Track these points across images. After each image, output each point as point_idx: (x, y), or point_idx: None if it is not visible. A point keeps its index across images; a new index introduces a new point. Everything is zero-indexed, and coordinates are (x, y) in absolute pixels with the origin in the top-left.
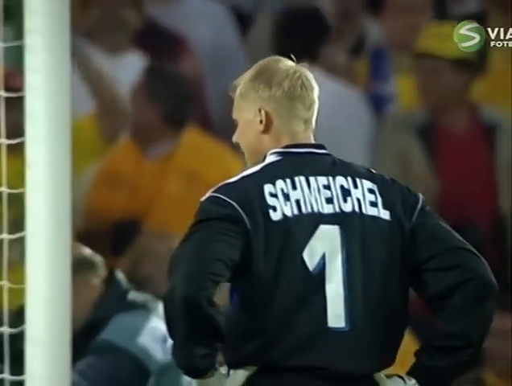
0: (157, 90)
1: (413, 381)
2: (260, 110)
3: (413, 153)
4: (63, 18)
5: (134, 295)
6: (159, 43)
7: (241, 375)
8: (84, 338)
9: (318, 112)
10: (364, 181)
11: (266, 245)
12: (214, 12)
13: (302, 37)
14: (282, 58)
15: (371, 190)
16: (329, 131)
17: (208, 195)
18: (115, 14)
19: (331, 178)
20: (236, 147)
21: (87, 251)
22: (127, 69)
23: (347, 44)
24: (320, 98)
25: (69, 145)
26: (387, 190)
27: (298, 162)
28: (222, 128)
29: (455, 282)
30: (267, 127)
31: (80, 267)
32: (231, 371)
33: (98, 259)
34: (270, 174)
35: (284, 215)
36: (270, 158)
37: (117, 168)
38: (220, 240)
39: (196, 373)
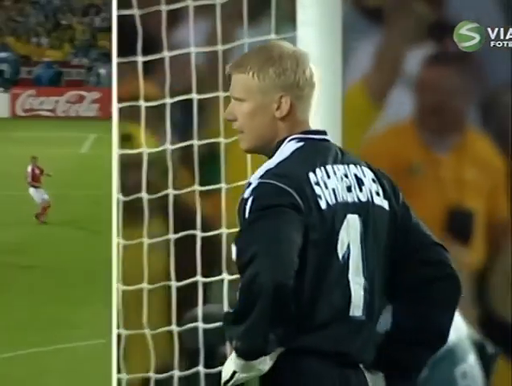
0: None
1: (380, 374)
2: (281, 97)
3: None
4: (335, 11)
5: None
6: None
7: (271, 357)
8: None
9: None
10: (367, 170)
11: (315, 232)
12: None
13: None
14: (285, 42)
15: (374, 180)
16: None
17: (259, 181)
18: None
19: (346, 167)
20: None
21: None
22: (415, 59)
23: None
24: None
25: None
26: (383, 180)
27: (320, 150)
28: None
29: (433, 276)
30: (288, 114)
31: None
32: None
33: None
34: (306, 161)
35: (328, 203)
36: (292, 144)
37: (404, 153)
38: (291, 228)
39: (257, 356)
